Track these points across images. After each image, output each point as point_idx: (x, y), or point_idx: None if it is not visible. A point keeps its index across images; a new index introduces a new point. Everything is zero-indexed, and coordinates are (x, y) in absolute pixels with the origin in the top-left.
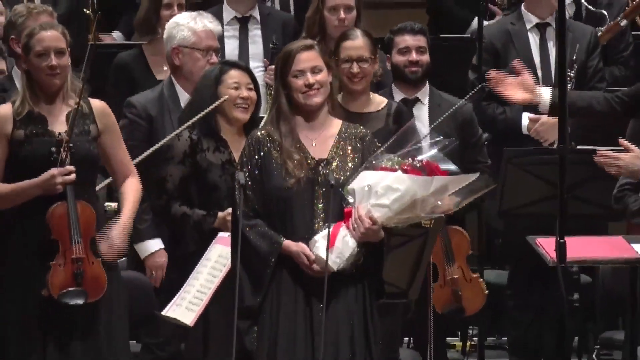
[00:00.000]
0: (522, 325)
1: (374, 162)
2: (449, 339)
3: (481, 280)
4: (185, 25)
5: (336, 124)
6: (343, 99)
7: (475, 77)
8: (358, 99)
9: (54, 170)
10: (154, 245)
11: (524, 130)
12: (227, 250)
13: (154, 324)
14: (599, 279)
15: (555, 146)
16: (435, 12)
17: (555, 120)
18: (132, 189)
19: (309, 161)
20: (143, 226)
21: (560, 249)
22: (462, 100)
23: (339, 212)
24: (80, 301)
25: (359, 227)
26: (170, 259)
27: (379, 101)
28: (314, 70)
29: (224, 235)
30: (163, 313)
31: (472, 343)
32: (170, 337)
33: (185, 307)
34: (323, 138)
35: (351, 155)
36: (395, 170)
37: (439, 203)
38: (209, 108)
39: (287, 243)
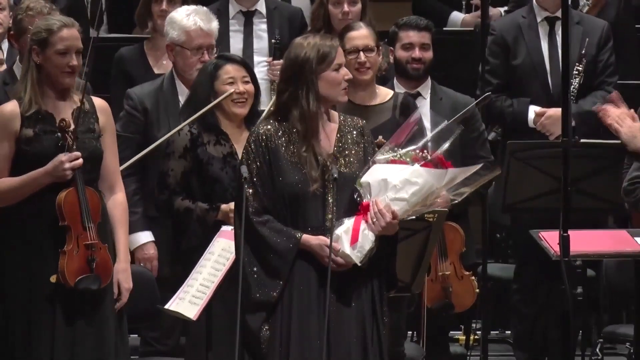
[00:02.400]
0: (527, 319)
1: (383, 155)
2: (452, 332)
3: (472, 278)
4: (178, 22)
5: (335, 117)
6: (348, 92)
7: (485, 69)
8: (364, 91)
9: (62, 157)
10: (144, 237)
11: (530, 124)
12: (230, 244)
13: (156, 318)
14: (603, 273)
15: (560, 139)
16: (417, 5)
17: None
18: (121, 215)
19: (318, 157)
20: (133, 218)
21: (564, 242)
22: (470, 105)
23: (347, 204)
24: (95, 287)
25: (379, 221)
26: (173, 253)
27: (384, 93)
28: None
29: (227, 229)
30: (166, 307)
31: (476, 337)
32: (170, 331)
33: (189, 300)
34: (327, 132)
35: (355, 148)
36: (406, 163)
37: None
38: (212, 103)
39: (306, 237)
